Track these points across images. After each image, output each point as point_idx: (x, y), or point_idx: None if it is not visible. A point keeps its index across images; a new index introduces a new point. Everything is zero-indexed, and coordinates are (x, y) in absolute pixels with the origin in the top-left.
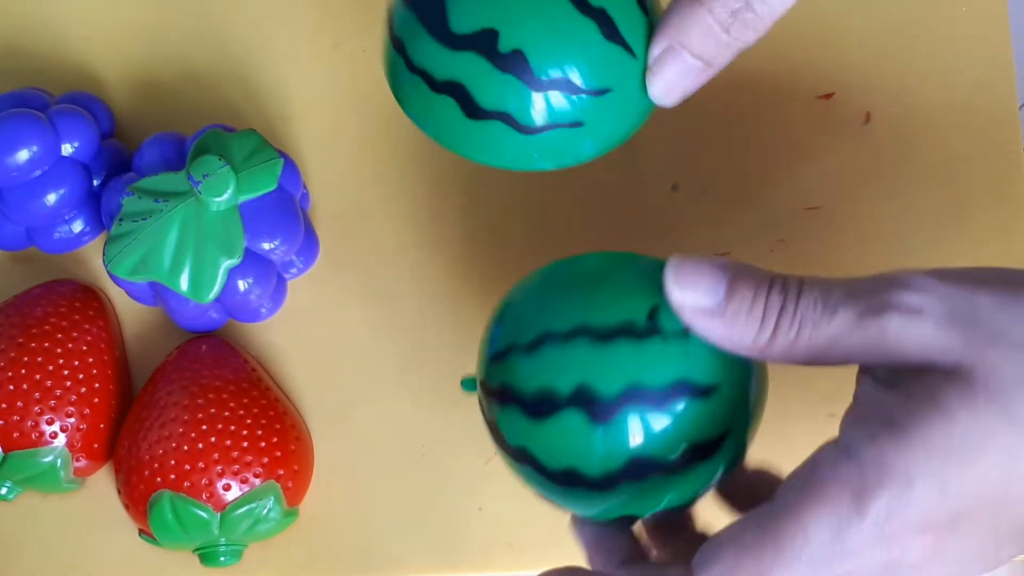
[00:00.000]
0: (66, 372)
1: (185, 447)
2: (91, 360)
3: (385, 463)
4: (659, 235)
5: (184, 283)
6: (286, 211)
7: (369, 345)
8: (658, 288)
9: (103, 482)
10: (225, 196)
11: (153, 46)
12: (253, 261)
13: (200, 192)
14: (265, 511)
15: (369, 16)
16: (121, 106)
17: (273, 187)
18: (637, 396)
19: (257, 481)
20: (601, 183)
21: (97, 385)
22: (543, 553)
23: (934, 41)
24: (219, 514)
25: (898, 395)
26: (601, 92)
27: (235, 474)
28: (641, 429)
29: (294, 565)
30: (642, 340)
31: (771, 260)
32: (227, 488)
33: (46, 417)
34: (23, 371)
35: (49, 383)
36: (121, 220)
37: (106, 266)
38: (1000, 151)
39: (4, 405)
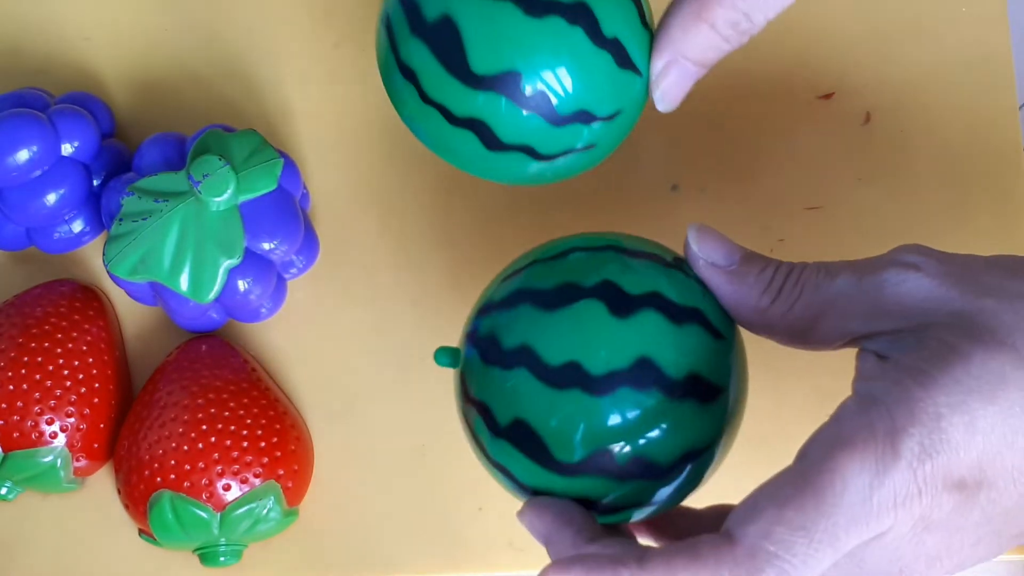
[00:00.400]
0: (66, 372)
1: (185, 447)
2: (91, 360)
3: (385, 463)
4: (659, 235)
5: (184, 283)
6: (286, 211)
7: (369, 345)
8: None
9: (103, 482)
10: (225, 196)
11: (153, 46)
12: (253, 261)
13: (200, 192)
14: (265, 511)
15: (369, 16)
16: (121, 106)
17: (273, 187)
18: (658, 302)
19: (257, 481)
20: (601, 183)
21: (97, 385)
22: (543, 552)
23: (934, 41)
24: (219, 514)
25: (911, 351)
26: (614, 116)
27: (235, 474)
28: (656, 330)
29: (294, 565)
30: (668, 267)
31: None
32: (227, 488)
33: (46, 417)
34: (23, 371)
35: (49, 383)
36: (121, 220)
37: (106, 266)
38: (1000, 151)
39: (4, 405)
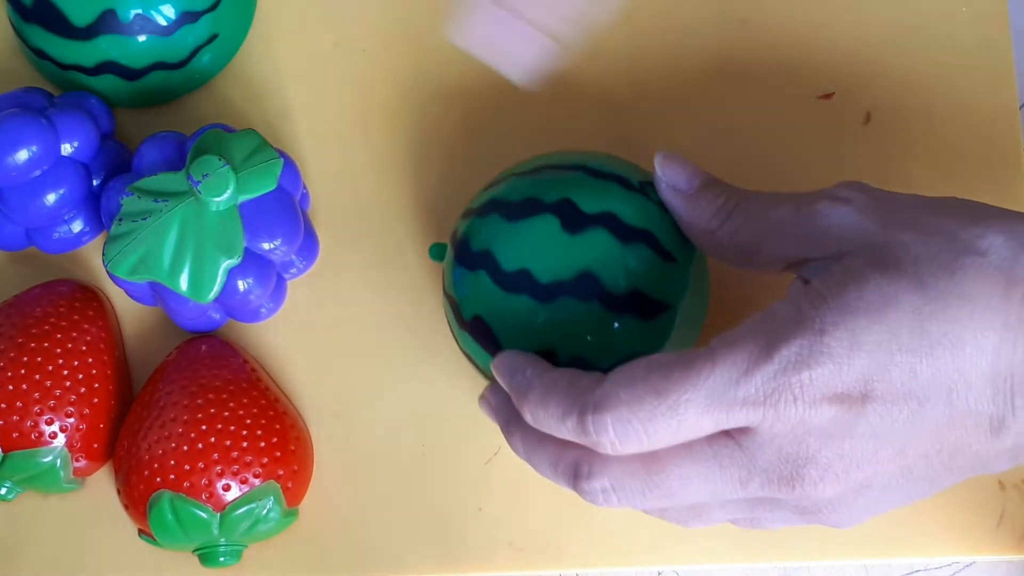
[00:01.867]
0: (66, 372)
1: (185, 447)
2: (91, 360)
3: (385, 463)
4: None
5: (184, 283)
6: (286, 211)
7: (369, 345)
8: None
9: (103, 482)
10: (225, 196)
11: None
12: (253, 261)
13: (200, 192)
14: (265, 511)
15: (369, 16)
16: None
17: (273, 187)
18: (610, 222)
19: (257, 481)
20: None
21: (97, 385)
22: (543, 553)
23: (934, 41)
24: (219, 514)
25: (823, 276)
26: (215, 5)
27: (235, 474)
28: (602, 247)
29: (294, 565)
30: (629, 190)
31: None
32: (227, 488)
33: (46, 417)
34: (23, 371)
35: (49, 383)
36: (121, 220)
37: (105, 266)
38: (1000, 151)
39: (4, 405)
